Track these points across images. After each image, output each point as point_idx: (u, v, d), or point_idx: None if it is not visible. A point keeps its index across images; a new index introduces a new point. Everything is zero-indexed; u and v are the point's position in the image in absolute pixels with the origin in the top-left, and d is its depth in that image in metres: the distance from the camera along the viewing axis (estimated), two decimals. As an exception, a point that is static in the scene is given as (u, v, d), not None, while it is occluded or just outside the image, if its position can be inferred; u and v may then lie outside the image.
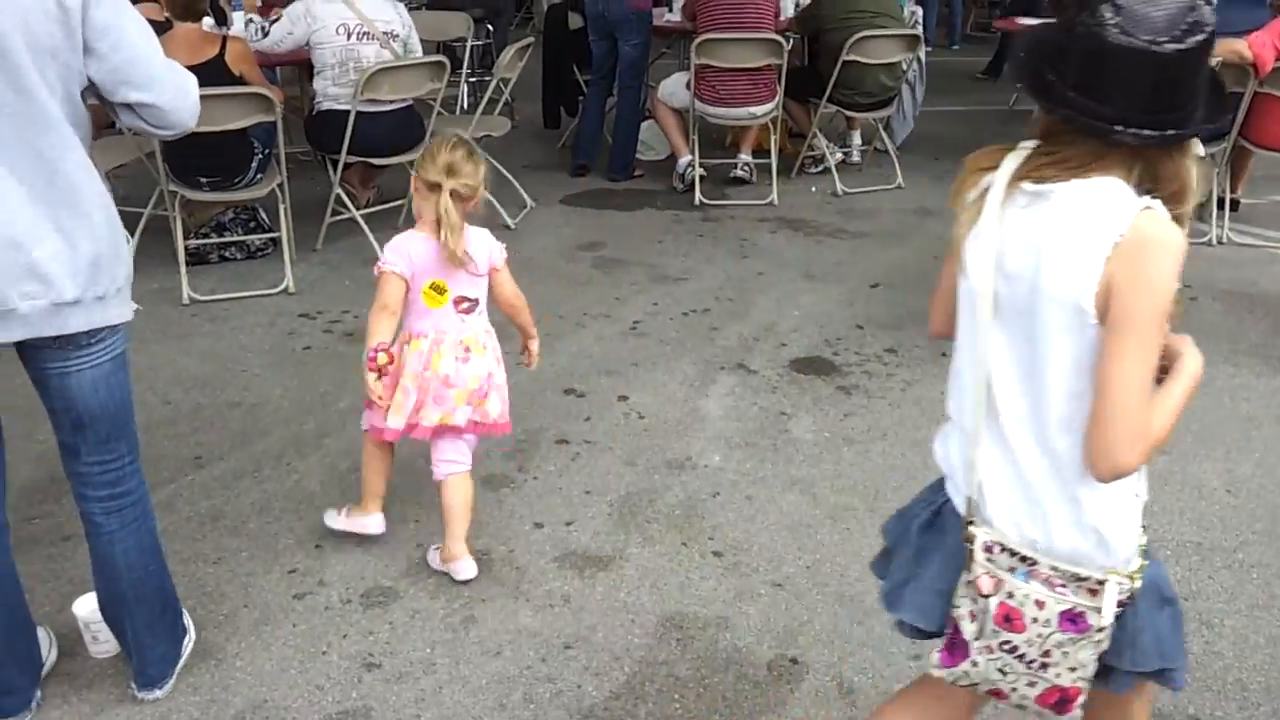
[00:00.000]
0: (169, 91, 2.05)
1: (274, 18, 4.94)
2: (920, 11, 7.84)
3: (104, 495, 2.22)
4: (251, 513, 3.07)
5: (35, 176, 1.91)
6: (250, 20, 4.99)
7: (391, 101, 4.81)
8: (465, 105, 7.13)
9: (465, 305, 2.74)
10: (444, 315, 2.72)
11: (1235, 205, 5.67)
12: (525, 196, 5.84)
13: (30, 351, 2.06)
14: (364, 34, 4.86)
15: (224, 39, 4.54)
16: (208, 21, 4.69)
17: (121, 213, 2.15)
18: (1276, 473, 3.35)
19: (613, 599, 2.74)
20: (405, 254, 2.66)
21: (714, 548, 2.95)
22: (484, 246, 2.75)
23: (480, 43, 7.54)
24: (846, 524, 3.07)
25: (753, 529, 3.04)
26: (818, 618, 2.68)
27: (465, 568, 2.81)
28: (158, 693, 2.38)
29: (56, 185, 1.93)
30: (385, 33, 4.92)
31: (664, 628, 2.64)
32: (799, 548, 2.96)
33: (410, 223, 5.25)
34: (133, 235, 4.49)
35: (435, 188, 2.61)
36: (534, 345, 2.97)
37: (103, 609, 2.36)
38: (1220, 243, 5.42)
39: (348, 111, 4.74)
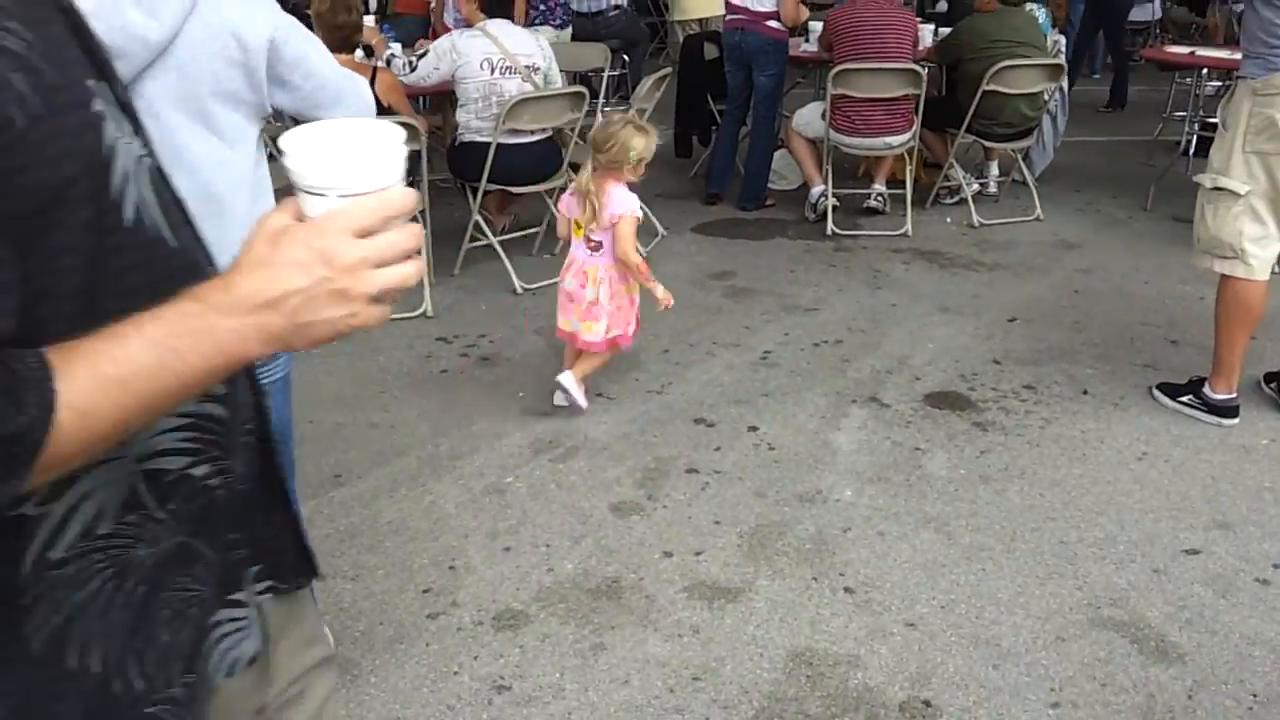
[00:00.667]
0: (353, 106, 2.18)
1: (421, 52, 5.09)
2: (1063, 40, 7.66)
3: None
4: (388, 531, 3.15)
5: (208, 216, 2.00)
6: (394, 55, 5.16)
7: (532, 132, 4.91)
8: (600, 134, 7.21)
9: (592, 244, 3.70)
10: (579, 246, 3.75)
11: None
12: (657, 225, 5.88)
13: None
14: (506, 68, 4.97)
15: (374, 70, 4.70)
16: (359, 54, 4.87)
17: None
18: None
19: (741, 631, 2.72)
20: (568, 199, 3.78)
21: (845, 584, 2.91)
22: (614, 201, 3.62)
23: (617, 73, 7.64)
24: (982, 565, 2.99)
25: (885, 566, 2.99)
26: (952, 660, 2.62)
27: (570, 388, 3.75)
28: (297, 704, 2.46)
29: (225, 224, 2.02)
30: (527, 66, 5.01)
31: (793, 663, 2.61)
32: (933, 587, 2.89)
33: (546, 249, 5.40)
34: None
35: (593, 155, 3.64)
36: (657, 291, 3.68)
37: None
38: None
39: (488, 144, 4.85)
